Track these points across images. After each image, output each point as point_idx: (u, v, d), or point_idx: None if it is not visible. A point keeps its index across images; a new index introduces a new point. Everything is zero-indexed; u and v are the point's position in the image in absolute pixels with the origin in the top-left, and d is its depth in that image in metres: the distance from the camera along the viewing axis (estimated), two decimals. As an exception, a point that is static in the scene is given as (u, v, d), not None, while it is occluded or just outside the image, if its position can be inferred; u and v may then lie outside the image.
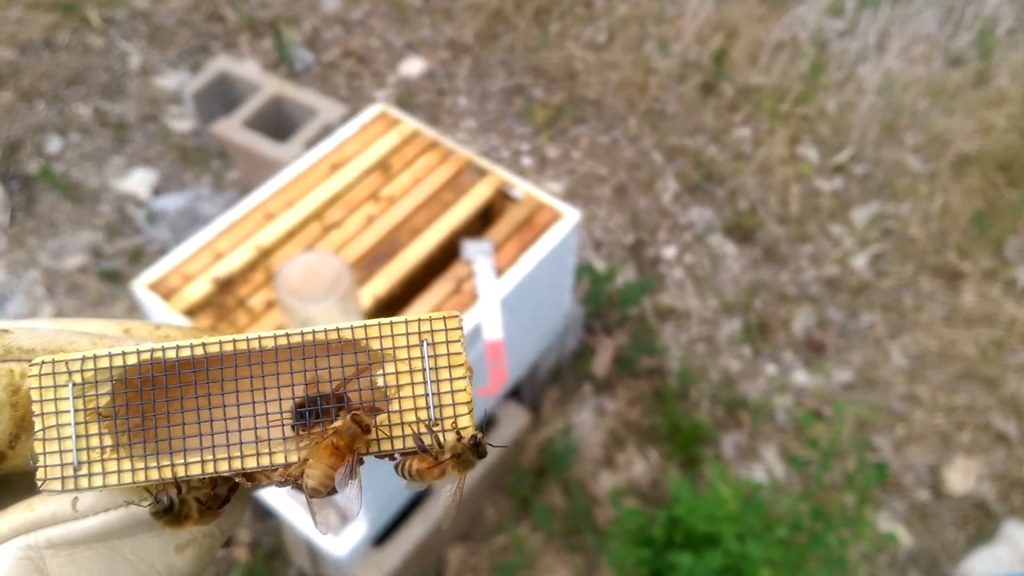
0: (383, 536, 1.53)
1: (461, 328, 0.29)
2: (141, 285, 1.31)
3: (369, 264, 1.42)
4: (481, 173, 1.56)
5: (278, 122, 2.14)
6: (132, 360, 0.28)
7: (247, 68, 2.31)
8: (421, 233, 1.48)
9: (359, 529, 1.43)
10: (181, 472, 0.27)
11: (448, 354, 0.28)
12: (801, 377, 1.98)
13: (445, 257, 1.49)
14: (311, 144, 1.96)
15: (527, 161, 2.39)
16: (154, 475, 0.27)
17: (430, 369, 0.28)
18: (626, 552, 1.59)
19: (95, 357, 0.27)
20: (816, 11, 2.69)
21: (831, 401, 1.93)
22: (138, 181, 2.24)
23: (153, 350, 0.28)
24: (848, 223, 2.26)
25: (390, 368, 0.28)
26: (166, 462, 0.27)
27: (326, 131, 2.01)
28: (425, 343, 0.28)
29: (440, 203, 1.53)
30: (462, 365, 0.28)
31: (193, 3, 2.69)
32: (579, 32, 2.70)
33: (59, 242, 2.12)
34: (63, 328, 0.30)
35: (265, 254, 1.39)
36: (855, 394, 1.96)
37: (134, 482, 0.27)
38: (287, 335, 0.28)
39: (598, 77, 2.58)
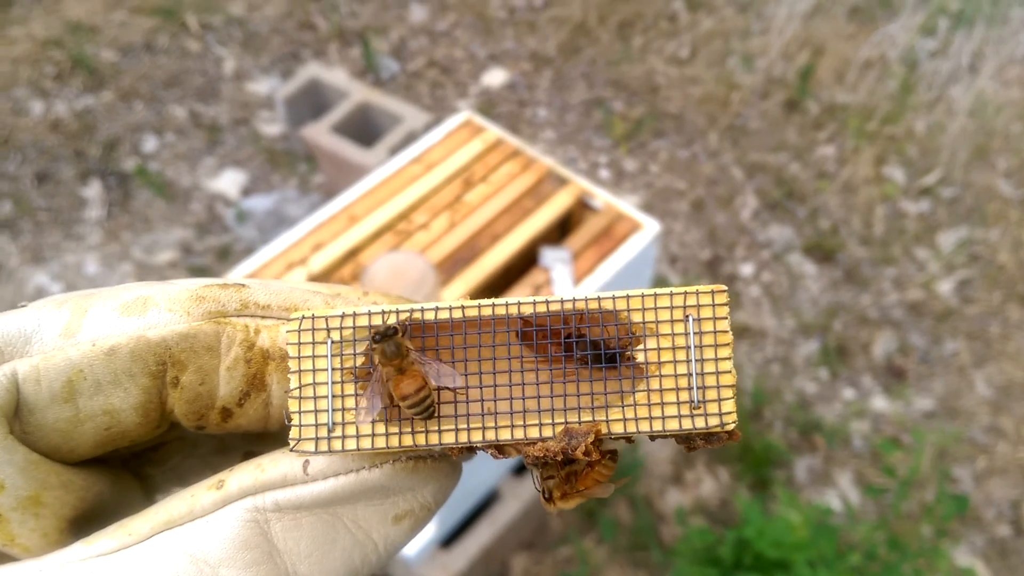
0: (450, 538, 1.54)
1: (728, 304, 0.26)
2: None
3: (450, 267, 1.44)
4: (562, 182, 1.58)
5: (364, 128, 2.19)
6: (391, 320, 0.26)
7: (336, 75, 2.37)
8: (501, 239, 1.50)
9: (428, 529, 1.44)
10: (435, 440, 0.26)
11: (715, 331, 0.26)
12: (880, 403, 1.93)
13: (524, 264, 1.50)
14: (395, 150, 2.00)
15: (604, 173, 2.39)
16: (408, 441, 0.26)
17: (695, 347, 0.26)
18: (692, 571, 1.57)
19: (354, 315, 0.27)
20: (907, 30, 2.63)
21: (911, 429, 1.87)
22: (228, 181, 2.32)
23: (412, 310, 0.26)
24: (934, 247, 2.20)
25: (651, 343, 0.26)
26: (420, 428, 0.26)
27: (410, 138, 2.05)
28: (691, 318, 0.26)
29: (521, 210, 1.55)
30: (728, 344, 0.26)
31: (286, 11, 2.78)
32: (662, 46, 2.70)
33: (152, 237, 2.21)
34: (295, 286, 0.30)
35: (353, 253, 1.43)
36: (936, 423, 1.90)
37: (388, 448, 0.26)
38: (547, 302, 0.26)
39: (679, 91, 2.57)
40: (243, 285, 0.29)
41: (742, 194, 2.32)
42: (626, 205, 1.54)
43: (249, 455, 0.33)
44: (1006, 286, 2.12)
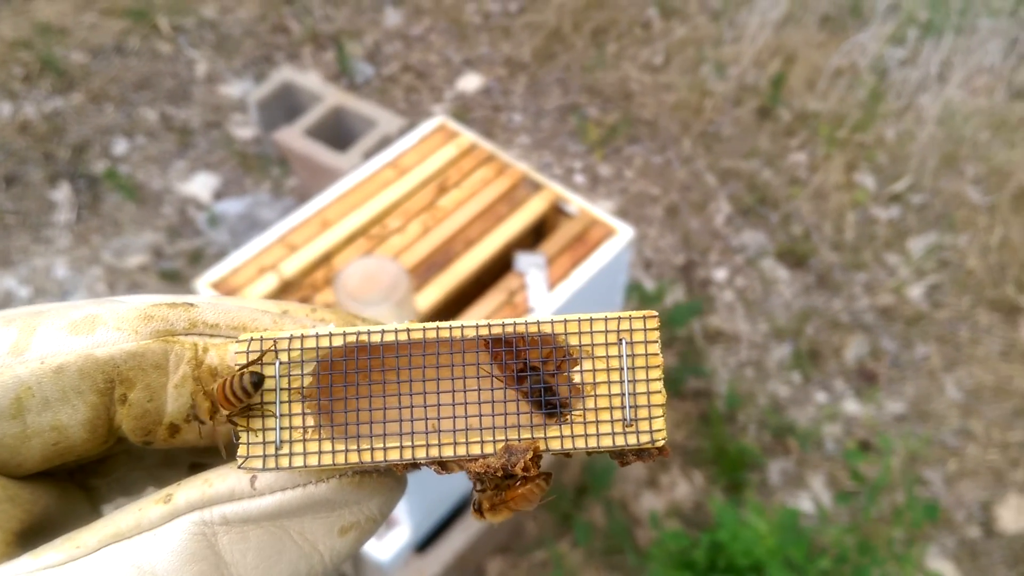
0: (425, 543, 1.54)
1: (659, 329, 0.28)
2: (204, 284, 1.34)
3: (424, 272, 1.44)
4: (536, 187, 1.58)
5: (338, 132, 2.18)
6: (338, 342, 0.27)
7: (310, 79, 2.36)
8: (475, 244, 1.50)
9: (402, 534, 1.44)
10: (380, 456, 0.27)
11: (646, 354, 0.28)
12: (852, 406, 1.95)
13: (498, 269, 1.50)
14: (369, 154, 2.00)
15: (579, 179, 2.40)
16: (354, 458, 0.27)
17: (627, 368, 0.27)
18: (667, 575, 1.58)
19: (303, 337, 0.27)
20: (877, 39, 2.67)
21: (883, 432, 1.89)
22: (200, 185, 2.30)
23: (359, 333, 0.27)
24: (904, 253, 2.23)
25: (587, 365, 0.28)
26: (366, 446, 0.27)
27: (384, 142, 2.05)
28: (624, 342, 0.28)
29: (495, 215, 1.54)
30: (659, 367, 0.28)
31: (259, 14, 2.77)
32: (636, 53, 2.71)
33: (122, 241, 2.18)
34: (244, 305, 0.30)
35: (326, 257, 1.42)
36: (907, 426, 1.92)
37: (334, 464, 0.27)
38: (488, 326, 0.27)
39: (653, 98, 2.59)
40: (192, 304, 0.29)
41: (715, 200, 2.34)
42: (600, 211, 1.54)
43: (195, 467, 0.33)
44: (975, 291, 2.15)
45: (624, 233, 1.51)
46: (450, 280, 1.43)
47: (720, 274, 2.18)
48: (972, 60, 2.62)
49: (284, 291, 1.37)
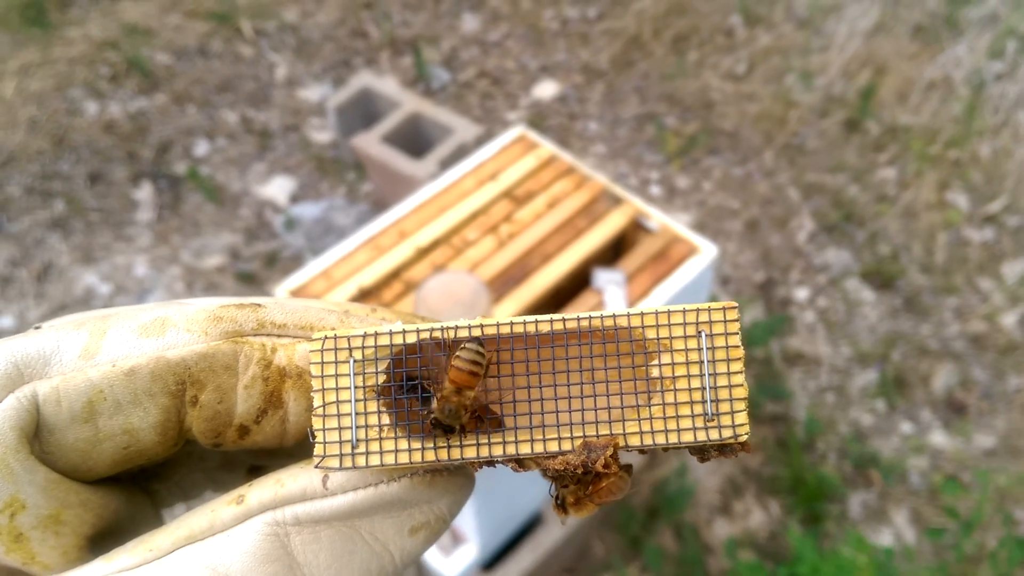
0: (492, 561, 1.51)
1: (739, 320, 0.27)
2: (284, 291, 1.34)
3: (500, 286, 1.41)
4: (616, 201, 1.54)
5: (414, 138, 2.18)
6: (411, 339, 0.27)
7: (388, 85, 2.36)
8: (553, 259, 1.46)
9: (470, 552, 1.41)
10: (457, 454, 0.27)
11: (727, 347, 0.27)
12: (939, 438, 1.86)
13: (575, 285, 1.46)
14: (445, 162, 1.98)
15: (656, 190, 2.35)
16: (431, 456, 0.27)
17: (707, 362, 0.27)
18: (740, 606, 1.52)
19: (376, 335, 0.27)
20: (973, 52, 2.55)
21: (971, 468, 1.80)
22: (277, 188, 2.32)
23: (432, 329, 0.27)
24: (998, 278, 2.12)
25: (666, 359, 0.27)
26: (442, 443, 0.27)
27: (461, 150, 2.03)
28: (703, 334, 0.27)
29: (573, 229, 1.51)
30: (740, 359, 0.27)
31: (339, 19, 2.78)
32: (718, 62, 2.65)
33: (201, 242, 2.21)
34: (310, 305, 0.30)
35: (402, 269, 1.40)
36: (997, 462, 1.82)
37: (411, 463, 0.27)
38: (563, 320, 0.27)
39: (735, 108, 2.52)
40: (259, 305, 0.29)
41: (798, 215, 2.26)
42: (682, 227, 1.49)
43: (255, 470, 0.34)
44: (1075, 320, 2.03)
45: (708, 251, 1.46)
46: (526, 295, 1.40)
47: (801, 293, 2.11)
48: (1075, 74, 2.48)
49: (362, 300, 1.36)
